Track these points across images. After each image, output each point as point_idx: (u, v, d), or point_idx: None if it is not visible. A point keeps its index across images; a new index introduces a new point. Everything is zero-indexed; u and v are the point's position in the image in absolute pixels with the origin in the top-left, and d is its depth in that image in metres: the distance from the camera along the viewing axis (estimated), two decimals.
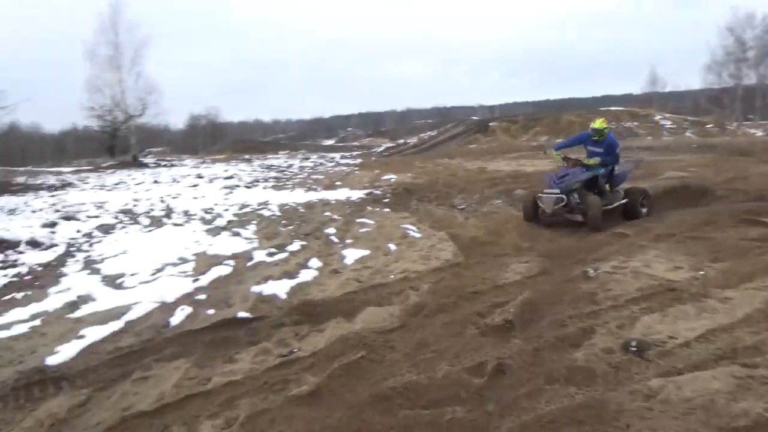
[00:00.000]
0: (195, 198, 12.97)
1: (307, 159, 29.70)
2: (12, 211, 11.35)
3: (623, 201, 8.42)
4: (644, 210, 8.43)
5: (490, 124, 40.03)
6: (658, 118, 36.27)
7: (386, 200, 11.86)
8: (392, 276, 6.08)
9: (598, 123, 8.36)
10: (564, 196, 7.92)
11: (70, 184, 17.43)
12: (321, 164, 25.16)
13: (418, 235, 8.05)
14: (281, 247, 7.59)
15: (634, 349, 3.64)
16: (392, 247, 7.40)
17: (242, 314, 5.07)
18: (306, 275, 6.25)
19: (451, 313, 4.73)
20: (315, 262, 6.73)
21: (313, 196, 12.93)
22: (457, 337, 4.21)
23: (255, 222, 9.64)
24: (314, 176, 18.64)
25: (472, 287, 5.34)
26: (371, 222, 9.23)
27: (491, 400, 3.21)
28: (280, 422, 3.24)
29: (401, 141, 45.54)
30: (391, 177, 16.42)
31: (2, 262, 7.44)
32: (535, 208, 8.37)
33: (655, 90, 52.53)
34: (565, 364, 3.54)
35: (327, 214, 10.21)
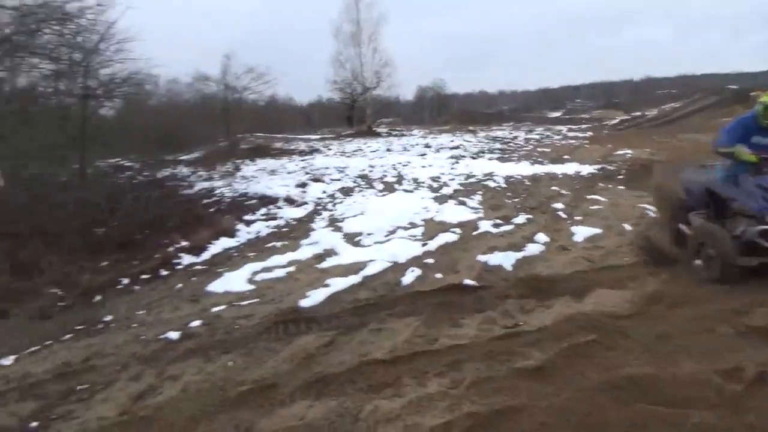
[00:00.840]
0: (423, 167, 13.52)
1: (532, 131, 28.79)
2: (272, 172, 13.19)
3: None
4: None
5: (751, 93, 34.03)
6: None
7: (620, 177, 10.99)
8: (627, 258, 5.65)
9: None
10: None
11: (316, 150, 19.51)
12: (547, 137, 24.18)
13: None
14: (507, 219, 7.56)
15: None
16: (627, 227, 6.85)
17: (468, 282, 5.20)
18: (532, 249, 6.15)
19: (698, 307, 4.21)
20: (542, 237, 6.58)
21: (539, 169, 12.53)
22: (706, 335, 3.74)
23: (480, 192, 9.73)
24: (540, 149, 18.04)
25: None
26: (603, 199, 8.66)
27: (752, 411, 2.79)
28: (504, 392, 3.26)
29: (638, 113, 41.40)
30: (627, 152, 15.11)
31: (266, 215, 8.76)
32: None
33: None
34: None
35: (554, 188, 9.85)
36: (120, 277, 6.65)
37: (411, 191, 10.24)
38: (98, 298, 6.20)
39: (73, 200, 8.00)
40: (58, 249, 7.14)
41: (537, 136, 24.32)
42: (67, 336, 5.21)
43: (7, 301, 6.14)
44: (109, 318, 5.53)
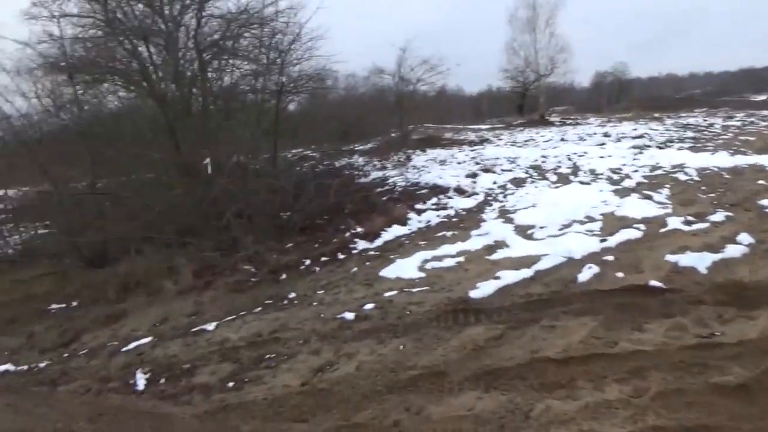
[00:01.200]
0: (601, 157, 12.63)
1: (732, 117, 25.43)
2: (443, 162, 13.36)
3: None
4: None
5: None
6: None
7: None
8: None
9: None
10: None
11: (486, 140, 19.28)
12: (751, 123, 21.14)
13: None
14: (701, 216, 6.77)
15: None
16: None
17: (654, 283, 4.78)
18: (733, 251, 5.42)
19: None
20: (745, 238, 5.76)
21: (742, 160, 10.99)
22: None
23: (668, 186, 8.84)
24: (742, 137, 15.83)
25: None
26: None
27: None
28: (698, 408, 2.97)
29: None
30: None
31: (436, 204, 8.90)
32: None
33: None
34: None
35: (761, 182, 8.57)
36: (302, 258, 7.25)
37: (588, 183, 9.65)
38: (283, 276, 6.82)
39: (265, 187, 8.89)
40: (252, 230, 7.99)
41: (738, 123, 21.45)
42: (258, 309, 5.82)
43: (212, 274, 7.05)
44: (292, 295, 6.06)
